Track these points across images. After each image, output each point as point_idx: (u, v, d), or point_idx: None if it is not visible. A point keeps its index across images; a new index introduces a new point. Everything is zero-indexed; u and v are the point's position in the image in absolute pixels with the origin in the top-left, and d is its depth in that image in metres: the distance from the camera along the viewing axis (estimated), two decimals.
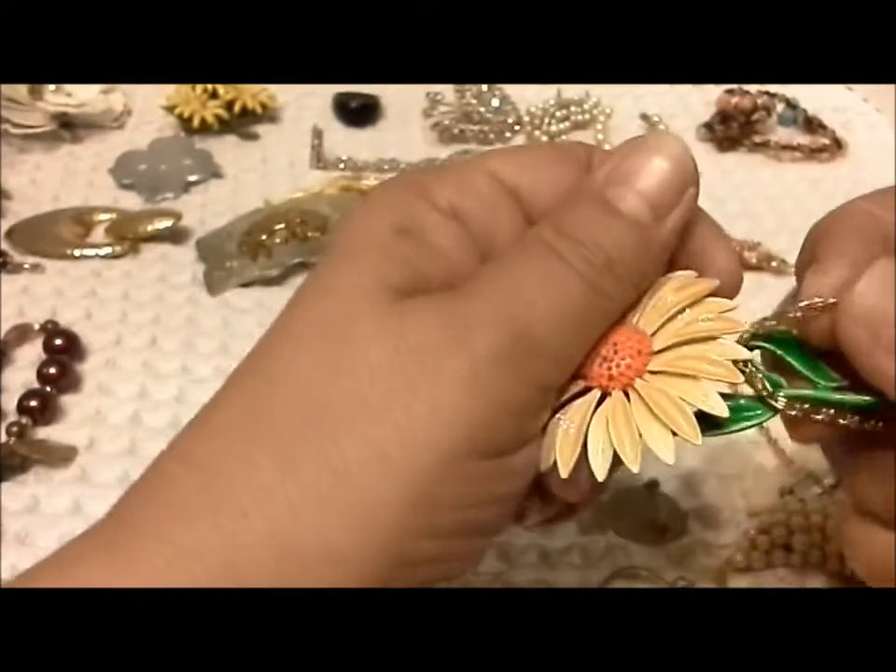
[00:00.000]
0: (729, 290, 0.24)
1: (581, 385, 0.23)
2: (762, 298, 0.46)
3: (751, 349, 0.23)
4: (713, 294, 0.23)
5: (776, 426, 0.39)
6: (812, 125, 0.57)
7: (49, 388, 0.40)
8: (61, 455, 0.37)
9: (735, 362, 0.23)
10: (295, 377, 0.21)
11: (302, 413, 0.21)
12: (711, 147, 0.56)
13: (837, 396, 0.23)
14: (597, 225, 0.22)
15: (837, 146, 0.55)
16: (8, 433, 0.38)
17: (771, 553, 0.34)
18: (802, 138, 0.56)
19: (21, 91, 0.52)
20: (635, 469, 0.22)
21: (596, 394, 0.23)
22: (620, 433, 0.22)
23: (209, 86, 0.55)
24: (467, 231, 0.24)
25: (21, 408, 0.39)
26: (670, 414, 0.22)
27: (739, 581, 0.34)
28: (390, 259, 0.22)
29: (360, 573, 0.20)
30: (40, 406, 0.39)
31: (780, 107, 0.58)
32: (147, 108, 0.57)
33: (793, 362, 0.24)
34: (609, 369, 0.23)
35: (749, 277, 0.47)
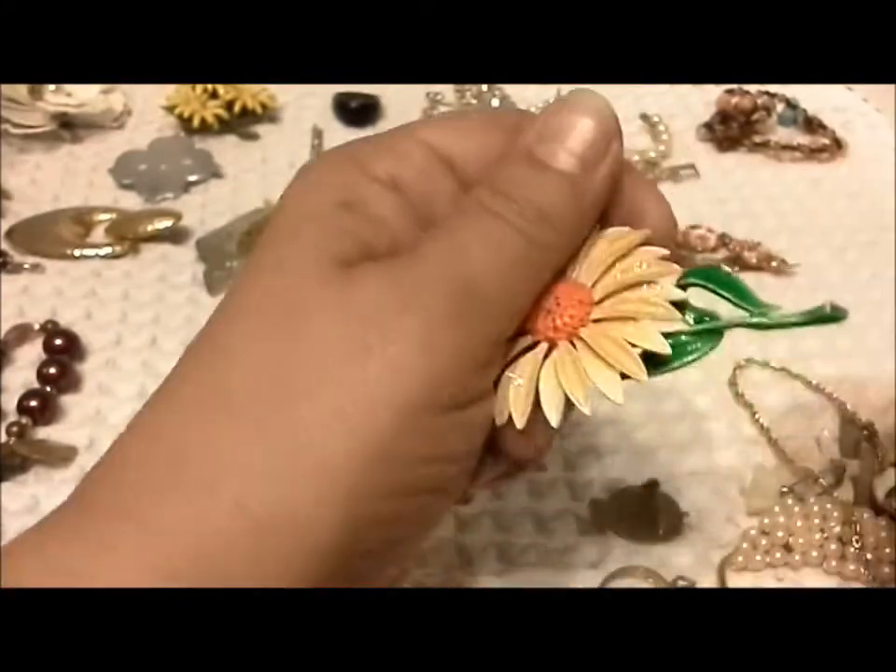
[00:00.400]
0: (664, 239, 0.25)
1: (528, 339, 0.24)
2: (761, 298, 0.46)
3: (685, 289, 0.24)
4: (647, 243, 0.24)
5: (776, 425, 0.39)
6: (812, 125, 0.57)
7: (48, 388, 0.40)
8: (61, 455, 0.37)
9: (672, 303, 0.23)
10: (251, 350, 0.22)
11: (261, 385, 0.21)
12: (711, 146, 0.56)
13: (768, 319, 0.24)
14: (529, 181, 0.23)
15: (837, 146, 0.55)
16: (8, 433, 0.38)
17: (771, 553, 0.34)
18: (802, 138, 0.56)
19: (21, 91, 0.52)
20: (587, 412, 0.23)
21: (544, 346, 0.24)
22: (569, 378, 0.23)
23: (209, 86, 0.55)
24: (406, 200, 0.24)
25: (21, 408, 0.39)
26: (615, 356, 0.23)
27: (739, 581, 0.34)
28: (334, 231, 0.23)
29: (326, 540, 0.21)
30: (40, 406, 0.39)
31: (780, 107, 0.58)
32: (147, 108, 0.57)
33: (726, 294, 0.24)
34: (554, 321, 0.24)
35: (749, 277, 0.47)
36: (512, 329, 0.23)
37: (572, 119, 0.24)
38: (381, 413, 0.21)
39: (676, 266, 0.24)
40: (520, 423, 0.23)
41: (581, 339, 0.24)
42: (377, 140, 0.26)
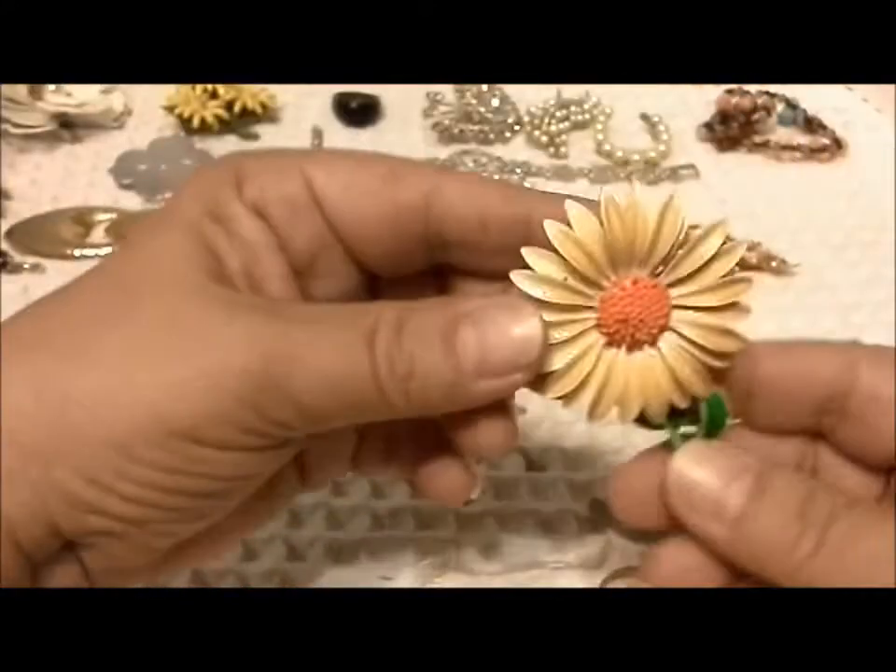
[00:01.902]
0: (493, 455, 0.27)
1: (590, 321, 0.24)
2: (761, 298, 0.46)
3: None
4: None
5: None
6: (812, 125, 0.57)
7: None
8: None
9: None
10: (88, 300, 0.24)
11: (81, 334, 0.23)
12: (711, 147, 0.56)
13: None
14: (426, 340, 0.23)
15: (837, 146, 0.55)
16: None
17: None
18: (802, 138, 0.56)
19: (20, 91, 0.52)
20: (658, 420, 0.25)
21: (602, 341, 0.25)
22: (650, 386, 0.24)
23: (209, 86, 0.55)
24: (267, 228, 0.26)
25: None
26: (689, 380, 0.24)
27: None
28: (196, 237, 0.24)
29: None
30: None
31: (780, 107, 0.58)
32: (147, 108, 0.57)
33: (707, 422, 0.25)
34: (635, 328, 0.24)
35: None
36: (304, 431, 0.23)
37: (505, 329, 0.23)
38: (140, 412, 0.22)
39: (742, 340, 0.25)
40: (595, 416, 0.24)
41: (656, 346, 0.25)
42: (265, 161, 0.27)
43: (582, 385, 0.24)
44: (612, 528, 0.35)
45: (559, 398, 0.25)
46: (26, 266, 0.46)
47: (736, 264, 0.25)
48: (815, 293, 0.46)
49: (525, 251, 0.24)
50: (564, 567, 0.34)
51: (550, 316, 0.24)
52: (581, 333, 0.24)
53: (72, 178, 0.52)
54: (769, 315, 0.45)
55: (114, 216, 0.49)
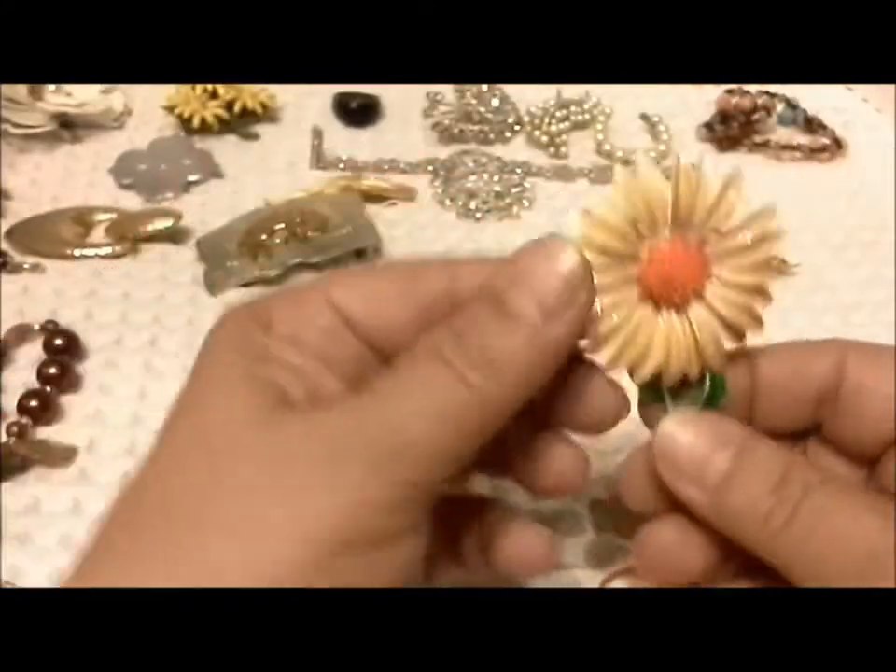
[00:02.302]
0: (602, 424, 0.26)
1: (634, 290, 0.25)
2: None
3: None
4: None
5: None
6: (812, 125, 0.57)
7: (48, 388, 0.40)
8: (61, 455, 0.37)
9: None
10: (172, 487, 0.22)
11: (179, 520, 0.22)
12: (711, 147, 0.56)
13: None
14: (487, 327, 0.23)
15: (837, 146, 0.55)
16: (8, 433, 0.38)
17: None
18: (802, 138, 0.56)
19: (20, 91, 0.52)
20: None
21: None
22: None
23: (209, 86, 0.55)
24: (309, 353, 0.25)
25: (21, 408, 0.39)
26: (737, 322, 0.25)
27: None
28: (252, 380, 0.23)
29: None
30: (40, 406, 0.39)
31: (780, 107, 0.58)
32: (147, 108, 0.57)
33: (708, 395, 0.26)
34: (677, 290, 0.25)
35: None
36: (446, 474, 0.23)
37: (540, 266, 0.23)
38: (285, 551, 0.21)
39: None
40: (612, 366, 0.25)
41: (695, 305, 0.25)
42: (283, 297, 0.26)
43: (611, 333, 0.25)
44: (612, 528, 0.35)
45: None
46: (26, 266, 0.46)
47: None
48: (815, 293, 0.46)
49: (584, 210, 0.24)
50: (564, 567, 0.34)
51: (598, 259, 0.24)
52: (621, 284, 0.25)
53: (72, 178, 0.52)
54: (769, 315, 0.45)
55: (114, 216, 0.49)
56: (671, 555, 0.26)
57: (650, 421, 0.26)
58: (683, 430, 0.24)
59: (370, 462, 0.22)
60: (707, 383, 0.26)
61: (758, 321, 0.25)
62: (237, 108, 0.55)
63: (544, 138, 0.55)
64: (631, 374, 0.26)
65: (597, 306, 0.24)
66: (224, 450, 0.22)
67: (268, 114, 0.56)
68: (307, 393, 0.24)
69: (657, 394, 0.26)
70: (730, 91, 0.57)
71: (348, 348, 0.26)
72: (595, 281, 0.24)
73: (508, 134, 0.56)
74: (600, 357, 0.25)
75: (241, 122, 0.55)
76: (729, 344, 0.26)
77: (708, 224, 0.25)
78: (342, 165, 0.53)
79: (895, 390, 0.25)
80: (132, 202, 0.51)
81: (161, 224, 0.48)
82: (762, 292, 0.25)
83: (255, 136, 0.56)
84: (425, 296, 0.26)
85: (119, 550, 0.22)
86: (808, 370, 0.27)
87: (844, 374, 0.26)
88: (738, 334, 0.25)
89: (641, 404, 0.26)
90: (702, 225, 0.25)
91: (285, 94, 0.58)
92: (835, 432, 0.27)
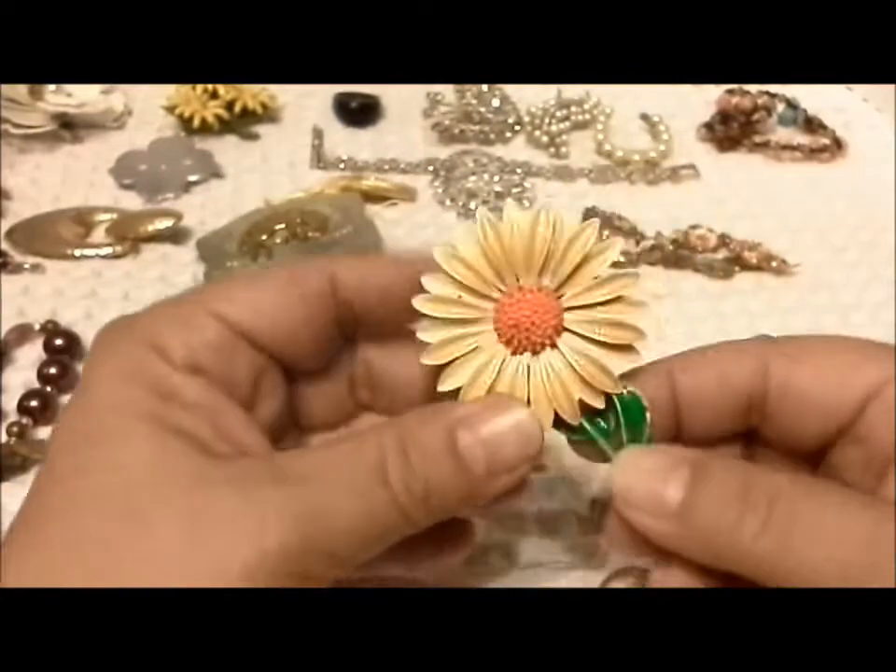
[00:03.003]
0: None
1: (491, 336, 0.25)
2: (761, 298, 0.46)
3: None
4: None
5: None
6: (812, 125, 0.57)
7: (49, 388, 0.40)
8: None
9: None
10: (90, 549, 0.22)
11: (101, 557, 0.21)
12: (711, 146, 0.56)
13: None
14: (436, 460, 0.23)
15: (837, 146, 0.55)
16: (9, 433, 0.38)
17: None
18: (802, 138, 0.56)
19: (20, 91, 0.52)
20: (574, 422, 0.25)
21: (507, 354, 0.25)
22: (558, 392, 0.25)
23: (209, 86, 0.55)
24: (208, 380, 0.25)
25: (22, 408, 0.39)
26: (597, 377, 0.25)
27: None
28: (164, 430, 0.23)
29: None
30: (40, 406, 0.39)
31: (780, 107, 0.58)
32: (147, 108, 0.57)
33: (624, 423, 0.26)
34: (529, 335, 0.25)
35: (749, 277, 0.47)
36: (355, 562, 0.23)
37: (504, 424, 0.24)
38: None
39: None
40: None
41: (556, 348, 0.25)
42: (169, 315, 0.26)
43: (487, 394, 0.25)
44: None
45: None
46: (26, 266, 0.46)
47: (616, 262, 0.25)
48: (815, 293, 0.46)
49: (424, 279, 0.25)
50: (564, 567, 0.34)
51: (451, 332, 0.25)
52: (480, 347, 0.25)
53: (72, 178, 0.52)
54: (769, 315, 0.45)
55: (114, 216, 0.49)
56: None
57: (588, 456, 0.26)
58: (632, 467, 0.24)
59: (292, 529, 0.21)
60: (618, 405, 0.25)
61: (630, 328, 0.25)
62: (237, 108, 0.55)
63: (544, 138, 0.55)
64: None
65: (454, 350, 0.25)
66: (147, 509, 0.22)
67: (268, 114, 0.56)
68: (215, 433, 0.24)
69: (574, 431, 0.26)
70: (730, 91, 0.57)
71: (244, 360, 0.26)
72: (452, 350, 0.25)
73: (508, 134, 0.56)
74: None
75: (241, 122, 0.56)
76: (617, 356, 0.25)
77: (533, 262, 0.25)
78: (342, 165, 0.53)
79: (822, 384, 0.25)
80: (132, 202, 0.51)
81: (162, 224, 0.48)
82: (620, 301, 0.25)
83: (255, 136, 0.56)
84: (309, 297, 0.26)
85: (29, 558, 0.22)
86: (730, 376, 0.26)
87: (768, 376, 0.26)
88: (618, 348, 0.25)
89: (570, 443, 0.26)
90: (529, 266, 0.25)
91: (285, 94, 0.58)
92: (772, 433, 0.27)
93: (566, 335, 0.25)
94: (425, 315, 0.25)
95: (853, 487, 0.25)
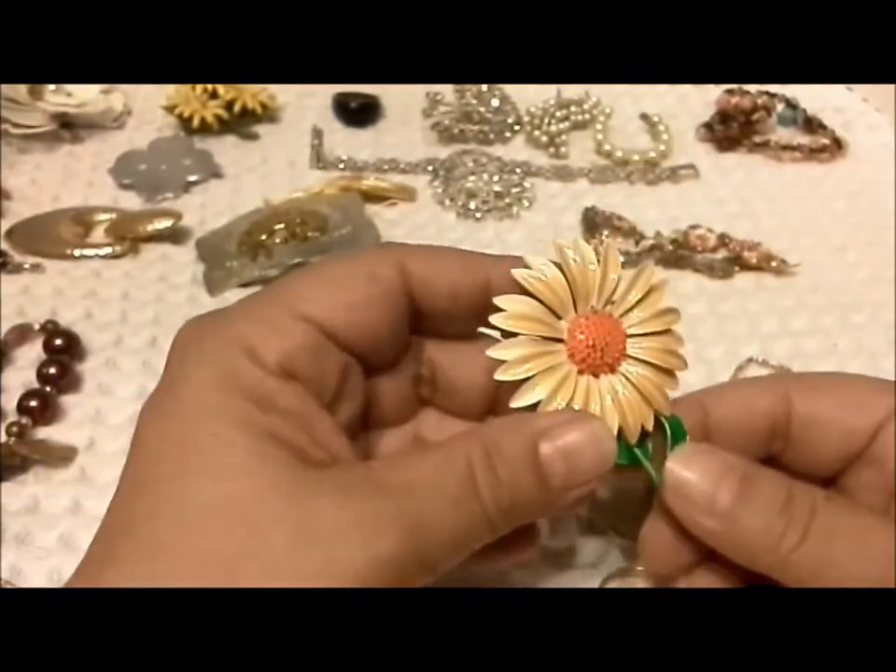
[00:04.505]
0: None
1: (564, 361, 0.26)
2: (762, 298, 0.46)
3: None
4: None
5: None
6: (812, 125, 0.57)
7: (48, 388, 0.40)
8: (61, 455, 0.37)
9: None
10: (199, 561, 0.21)
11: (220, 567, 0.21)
12: (711, 147, 0.56)
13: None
14: (519, 471, 0.24)
15: (837, 146, 0.55)
16: (8, 433, 0.38)
17: None
18: (802, 138, 0.56)
19: (21, 90, 0.52)
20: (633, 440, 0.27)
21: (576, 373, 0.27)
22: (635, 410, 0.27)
23: (209, 86, 0.55)
24: (302, 385, 0.25)
25: (21, 408, 0.39)
26: (656, 399, 0.27)
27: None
28: (263, 438, 0.23)
29: None
30: (40, 406, 0.39)
31: (780, 107, 0.58)
32: (147, 108, 0.57)
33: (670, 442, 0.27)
34: (601, 356, 0.27)
35: (749, 277, 0.47)
36: (445, 569, 0.24)
37: (586, 442, 0.25)
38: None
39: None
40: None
41: (615, 372, 0.27)
42: (255, 317, 0.25)
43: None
44: (612, 528, 0.35)
45: None
46: (26, 266, 0.46)
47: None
48: (815, 293, 0.46)
49: (498, 299, 0.26)
50: (564, 567, 0.34)
51: (528, 350, 0.26)
52: (556, 365, 0.26)
53: (72, 178, 0.52)
54: (769, 315, 0.45)
55: (114, 216, 0.49)
56: (668, 550, 0.27)
57: (620, 480, 0.28)
58: (687, 465, 0.25)
59: (400, 540, 0.22)
60: (668, 427, 0.27)
61: (680, 358, 0.28)
62: (237, 108, 0.55)
63: (544, 138, 0.55)
64: None
65: (540, 391, 0.26)
66: (256, 521, 0.22)
67: (268, 114, 0.56)
68: (310, 440, 0.24)
69: (625, 452, 0.26)
70: (730, 91, 0.57)
71: (333, 362, 0.26)
72: (529, 367, 0.26)
73: (508, 134, 0.56)
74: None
75: (241, 122, 0.56)
76: (670, 382, 0.28)
77: (605, 290, 0.27)
78: (342, 165, 0.53)
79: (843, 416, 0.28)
80: (132, 202, 0.51)
81: (161, 224, 0.48)
82: (670, 333, 0.28)
83: (255, 136, 0.56)
84: (388, 294, 0.27)
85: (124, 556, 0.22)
86: (754, 406, 0.29)
87: (791, 408, 0.28)
88: (671, 374, 0.27)
89: (616, 468, 0.27)
90: (599, 294, 0.27)
91: (285, 94, 0.58)
92: (792, 458, 0.29)
93: (626, 362, 0.27)
94: (493, 327, 0.26)
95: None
